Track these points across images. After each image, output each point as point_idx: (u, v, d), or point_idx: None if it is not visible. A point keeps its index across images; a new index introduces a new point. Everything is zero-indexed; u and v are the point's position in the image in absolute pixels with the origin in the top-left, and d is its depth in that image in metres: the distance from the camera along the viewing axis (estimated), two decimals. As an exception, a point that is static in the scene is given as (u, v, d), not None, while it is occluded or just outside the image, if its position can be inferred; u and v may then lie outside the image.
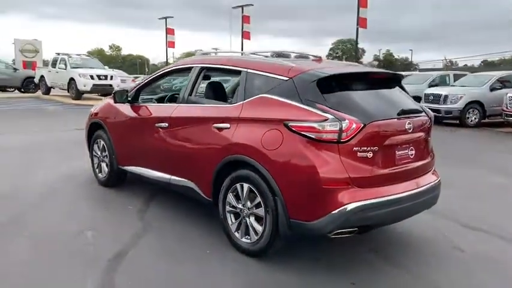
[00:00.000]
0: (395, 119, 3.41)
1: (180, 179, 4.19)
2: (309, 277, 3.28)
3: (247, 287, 3.15)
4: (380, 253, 3.74)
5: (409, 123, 3.43)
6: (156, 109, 4.62)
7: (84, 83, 17.03)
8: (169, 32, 50.15)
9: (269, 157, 3.30)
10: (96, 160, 5.56)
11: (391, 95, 3.75)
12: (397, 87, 3.90)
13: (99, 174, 5.50)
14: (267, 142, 3.32)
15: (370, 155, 3.20)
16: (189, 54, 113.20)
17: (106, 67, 20.06)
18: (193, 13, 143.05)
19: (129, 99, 4.90)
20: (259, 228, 3.44)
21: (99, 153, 5.46)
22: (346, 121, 3.10)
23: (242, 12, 41.76)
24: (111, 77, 17.72)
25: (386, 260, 3.60)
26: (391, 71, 4.09)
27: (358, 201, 3.08)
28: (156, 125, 4.41)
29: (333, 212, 3.06)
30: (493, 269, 3.51)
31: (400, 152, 3.42)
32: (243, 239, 3.58)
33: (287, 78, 3.45)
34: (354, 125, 3.13)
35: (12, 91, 22.76)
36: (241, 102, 3.68)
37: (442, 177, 3.86)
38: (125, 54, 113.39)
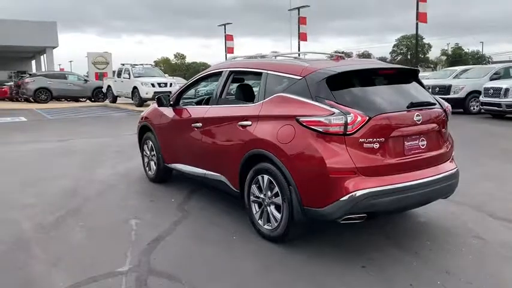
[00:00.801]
0: (403, 112, 3.60)
1: (213, 173, 4.62)
2: (323, 259, 3.56)
3: (264, 267, 3.47)
4: (394, 239, 3.93)
5: (417, 115, 3.60)
6: (193, 111, 5.09)
7: (146, 91, 18.16)
8: (228, 38, 51.55)
9: (283, 150, 3.62)
10: (146, 159, 6.15)
11: (403, 88, 3.92)
12: (413, 81, 4.06)
13: (149, 172, 6.09)
14: (282, 137, 3.65)
15: (376, 145, 3.42)
16: (252, 58, 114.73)
17: (166, 75, 21.26)
18: (254, 18, 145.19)
19: (171, 102, 5.42)
20: (278, 215, 3.77)
21: (148, 152, 6.04)
22: (351, 115, 3.36)
23: (298, 13, 42.07)
24: (171, 84, 18.72)
25: (399, 247, 3.77)
26: (402, 66, 4.25)
27: (364, 188, 3.32)
28: (192, 125, 4.88)
29: (341, 199, 3.32)
30: (508, 258, 3.57)
31: (409, 143, 3.60)
32: (265, 226, 3.92)
33: (300, 78, 3.75)
34: (359, 118, 3.37)
35: (84, 101, 24.70)
36: (262, 102, 4.04)
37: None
38: (189, 62, 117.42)
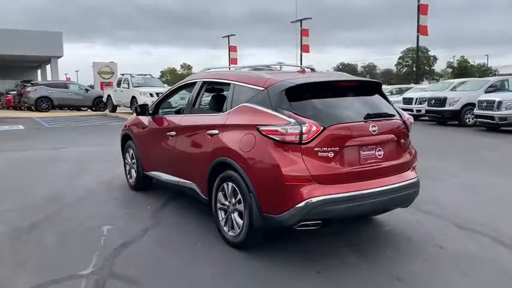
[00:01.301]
0: (359, 122, 3.71)
1: (185, 181, 4.75)
2: (281, 265, 3.65)
3: (223, 272, 3.56)
4: (355, 247, 4.01)
5: (373, 126, 3.71)
6: (168, 120, 5.23)
7: (144, 100, 18.34)
8: (232, 49, 52.21)
9: (245, 158, 3.74)
10: (127, 167, 6.29)
11: (363, 100, 4.05)
12: (376, 94, 4.18)
13: (130, 180, 6.22)
14: (244, 145, 3.78)
15: (331, 154, 3.53)
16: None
17: (165, 85, 21.55)
18: (262, 29, 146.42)
19: (150, 112, 5.57)
20: (240, 222, 3.87)
21: (129, 160, 6.18)
22: (307, 124, 3.48)
23: (301, 25, 42.56)
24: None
25: (359, 254, 3.86)
26: (363, 79, 4.38)
27: (318, 196, 3.43)
28: (167, 133, 5.02)
29: (296, 206, 3.43)
30: (464, 267, 3.63)
31: (365, 153, 3.71)
32: (230, 233, 4.03)
33: (263, 89, 3.89)
34: (314, 128, 3.49)
35: (86, 110, 25.02)
36: (228, 111, 4.17)
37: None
38: (195, 72, 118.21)
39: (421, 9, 31.81)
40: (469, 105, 15.57)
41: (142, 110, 5.59)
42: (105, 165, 8.16)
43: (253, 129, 3.72)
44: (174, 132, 4.90)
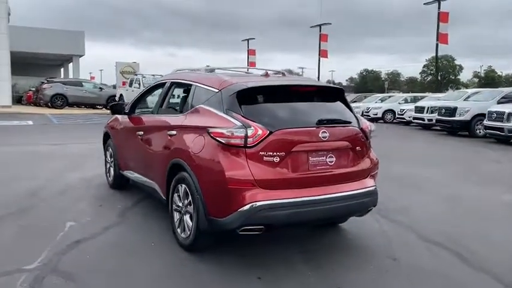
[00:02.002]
0: (308, 128, 3.65)
1: (149, 181, 4.77)
2: (226, 269, 3.62)
3: (167, 273, 3.54)
4: (307, 254, 3.95)
5: (323, 132, 3.64)
6: (138, 120, 5.26)
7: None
8: (250, 53, 52.39)
9: (194, 160, 3.73)
10: (107, 165, 6.35)
11: (319, 106, 3.99)
12: (336, 100, 4.12)
13: (109, 178, 6.28)
14: (195, 147, 3.76)
15: (276, 159, 3.48)
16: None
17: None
18: (286, 33, 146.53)
19: (126, 111, 5.61)
20: (190, 224, 3.86)
21: (109, 159, 6.24)
22: (252, 128, 3.44)
23: (320, 30, 42.37)
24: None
25: (308, 262, 3.79)
26: (322, 84, 4.30)
27: (261, 200, 3.38)
28: (137, 133, 5.05)
29: (239, 209, 3.39)
30: (413, 279, 3.53)
31: (314, 159, 3.64)
32: (182, 234, 4.01)
33: (217, 91, 3.87)
34: (260, 132, 3.45)
35: (101, 108, 25.44)
36: (186, 112, 4.17)
37: None
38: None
39: (441, 17, 31.22)
40: (480, 116, 15.19)
41: (118, 109, 5.63)
42: (97, 162, 8.17)
43: (204, 131, 3.70)
44: (142, 132, 4.93)
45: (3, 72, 21.81)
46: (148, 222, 4.78)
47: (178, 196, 4.06)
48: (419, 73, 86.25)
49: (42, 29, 36.33)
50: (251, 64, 52.59)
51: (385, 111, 24.15)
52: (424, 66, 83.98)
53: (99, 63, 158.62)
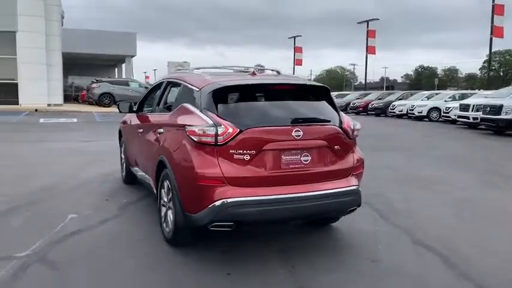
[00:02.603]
0: (280, 127, 3.65)
1: (146, 176, 4.96)
2: (200, 264, 3.70)
3: (147, 267, 3.66)
4: (286, 253, 3.96)
5: (297, 131, 3.62)
6: (141, 117, 5.46)
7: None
8: (297, 50, 52.12)
9: (173, 157, 3.85)
10: (122, 161, 6.63)
11: (299, 104, 3.98)
12: (318, 98, 4.08)
13: (122, 173, 6.56)
14: (175, 144, 3.89)
15: (247, 157, 3.52)
16: (329, 71, 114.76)
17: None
18: (340, 30, 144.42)
19: (134, 109, 5.83)
20: (171, 219, 3.98)
21: (122, 155, 6.52)
22: (222, 126, 3.50)
23: (367, 26, 41.40)
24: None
25: (284, 260, 3.80)
26: (303, 83, 4.23)
27: (230, 198, 3.45)
28: (138, 130, 5.25)
29: (209, 206, 3.47)
30: (386, 282, 3.47)
31: (287, 157, 3.64)
32: (166, 229, 4.15)
33: (198, 90, 3.96)
34: (230, 130, 3.50)
35: (146, 106, 26.32)
36: (173, 111, 4.29)
37: None
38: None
39: (496, 10, 29.56)
40: (529, 115, 14.31)
41: (125, 107, 5.86)
42: (118, 158, 8.61)
43: (183, 129, 3.81)
44: (142, 130, 5.12)
45: (55, 73, 23.13)
46: (145, 216, 4.96)
47: (164, 192, 4.20)
48: (479, 69, 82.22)
49: (97, 31, 38.04)
50: (297, 62, 52.39)
51: (431, 109, 23.23)
52: (484, 62, 79.83)
53: (154, 63, 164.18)
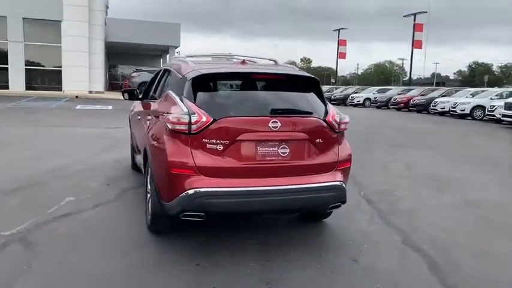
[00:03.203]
0: (256, 117, 3.53)
1: (142, 163, 4.97)
2: (173, 253, 3.67)
3: (121, 250, 3.69)
4: (264, 246, 3.87)
5: (274, 122, 3.49)
6: (142, 105, 5.48)
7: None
8: (341, 43, 51.17)
9: (153, 145, 3.84)
10: (130, 148, 6.72)
11: (280, 95, 3.84)
12: (307, 89, 3.92)
13: (131, 159, 6.64)
14: (156, 132, 3.87)
15: (220, 147, 3.44)
16: (377, 66, 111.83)
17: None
18: (392, 22, 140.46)
19: (140, 96, 5.87)
20: (150, 207, 3.97)
21: (131, 142, 6.60)
22: (196, 115, 3.43)
23: (414, 20, 39.90)
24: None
25: (259, 254, 3.70)
26: (287, 73, 4.04)
27: (200, 187, 3.38)
28: (137, 117, 5.29)
29: (180, 195, 3.42)
30: (350, 283, 3.31)
31: (264, 149, 3.52)
32: (148, 216, 4.15)
33: (181, 77, 3.91)
34: (204, 119, 3.43)
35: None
36: (160, 98, 4.27)
37: None
38: (314, 66, 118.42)
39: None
40: None
41: (131, 95, 5.89)
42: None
43: (163, 116, 3.77)
44: (139, 117, 5.15)
45: (97, 61, 23.90)
46: (140, 203, 4.96)
47: (149, 180, 4.19)
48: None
49: (142, 21, 38.83)
50: (341, 55, 51.38)
51: (474, 108, 22.07)
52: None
53: (202, 53, 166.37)
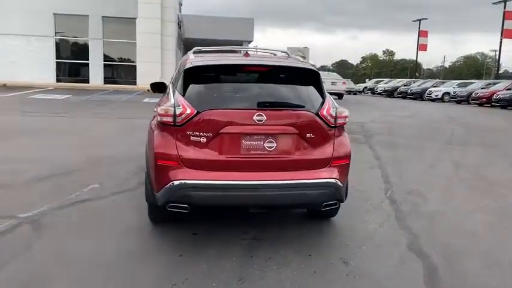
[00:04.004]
0: (239, 110, 3.46)
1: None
2: (161, 243, 3.77)
3: (118, 237, 3.85)
4: (257, 242, 3.80)
5: (259, 115, 3.40)
6: (162, 98, 5.61)
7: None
8: (422, 34, 48.52)
9: (148, 136, 3.92)
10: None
11: (272, 87, 3.74)
12: (305, 82, 3.78)
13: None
14: (151, 124, 3.95)
15: (203, 140, 3.42)
16: (467, 58, 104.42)
17: (326, 72, 21.95)
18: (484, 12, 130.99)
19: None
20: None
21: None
22: (180, 107, 3.45)
23: (504, 7, 36.64)
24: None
25: (248, 249, 3.65)
26: (283, 65, 3.87)
27: (183, 179, 3.40)
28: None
29: (165, 186, 3.47)
30: (341, 285, 3.14)
31: (248, 142, 3.45)
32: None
33: (178, 70, 3.95)
34: (188, 111, 3.43)
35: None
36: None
37: None
38: (397, 59, 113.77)
39: None
40: None
41: (158, 87, 6.04)
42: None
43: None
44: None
45: (169, 57, 24.83)
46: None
47: None
48: None
49: (216, 17, 39.85)
50: (421, 47, 48.70)
51: None
52: None
53: (278, 47, 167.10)
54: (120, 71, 25.57)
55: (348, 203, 4.19)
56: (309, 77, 3.81)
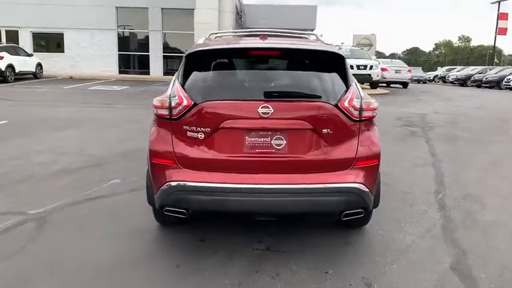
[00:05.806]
0: (242, 101, 2.97)
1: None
2: (162, 248, 3.46)
3: (120, 236, 3.59)
4: (270, 253, 3.34)
5: (264, 107, 2.88)
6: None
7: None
8: (501, 17, 44.63)
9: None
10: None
11: (286, 74, 3.21)
12: (327, 68, 3.19)
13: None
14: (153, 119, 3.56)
15: (201, 136, 2.98)
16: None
17: (373, 57, 20.53)
18: None
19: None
20: (156, 198, 3.71)
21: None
22: (176, 98, 3.03)
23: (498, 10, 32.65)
24: (371, 67, 18.04)
25: (258, 261, 3.18)
26: (302, 48, 3.29)
27: (178, 181, 2.99)
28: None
29: (161, 187, 3.08)
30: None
31: (252, 139, 2.95)
32: (153, 208, 3.90)
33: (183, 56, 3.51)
34: (185, 102, 3.01)
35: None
36: None
37: None
38: (474, 45, 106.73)
39: None
40: None
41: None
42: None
43: None
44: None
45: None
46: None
47: None
48: None
49: (278, 5, 39.25)
50: (500, 30, 44.78)
51: None
52: None
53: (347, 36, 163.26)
54: (179, 62, 25.83)
55: (386, 208, 3.59)
56: (331, 62, 3.22)
